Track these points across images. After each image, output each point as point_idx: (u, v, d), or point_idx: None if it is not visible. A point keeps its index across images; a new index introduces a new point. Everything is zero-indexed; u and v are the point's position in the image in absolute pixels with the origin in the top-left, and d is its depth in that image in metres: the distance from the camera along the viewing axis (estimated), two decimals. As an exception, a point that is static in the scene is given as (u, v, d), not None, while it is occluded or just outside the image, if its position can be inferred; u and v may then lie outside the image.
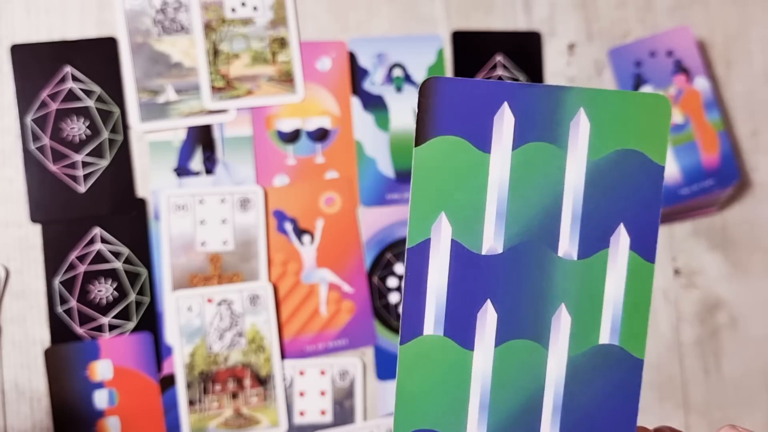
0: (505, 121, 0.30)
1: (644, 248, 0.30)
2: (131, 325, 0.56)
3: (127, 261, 0.56)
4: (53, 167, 0.56)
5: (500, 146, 0.30)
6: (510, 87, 0.30)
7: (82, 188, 0.56)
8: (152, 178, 0.57)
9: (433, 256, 0.30)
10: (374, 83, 0.59)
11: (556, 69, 0.62)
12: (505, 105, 0.30)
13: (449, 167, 0.30)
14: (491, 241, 0.30)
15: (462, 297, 0.30)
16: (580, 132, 0.30)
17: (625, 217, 0.30)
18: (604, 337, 0.30)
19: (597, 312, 0.30)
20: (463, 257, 0.30)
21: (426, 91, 0.30)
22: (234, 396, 0.56)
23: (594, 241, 0.30)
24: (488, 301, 0.30)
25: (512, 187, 0.30)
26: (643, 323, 0.30)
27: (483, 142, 0.30)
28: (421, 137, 0.30)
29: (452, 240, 0.30)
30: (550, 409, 0.30)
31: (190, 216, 0.56)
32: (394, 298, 0.59)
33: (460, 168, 0.30)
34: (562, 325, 0.30)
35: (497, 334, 0.30)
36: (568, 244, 0.30)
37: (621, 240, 0.30)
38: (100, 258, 0.56)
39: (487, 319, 0.30)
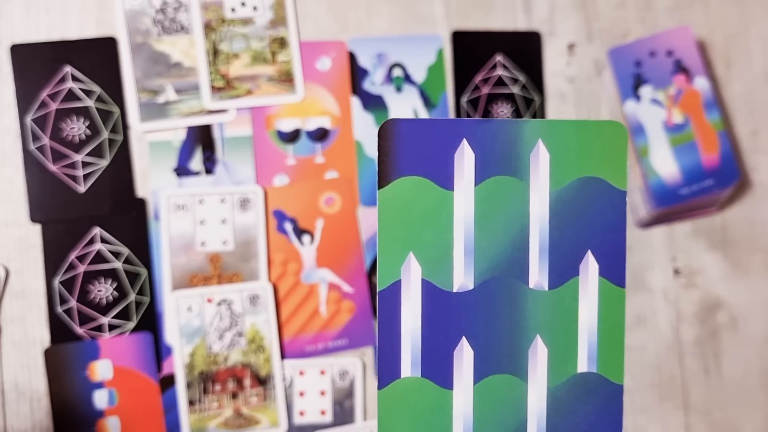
0: (465, 158, 0.30)
1: (613, 273, 0.30)
2: (131, 325, 0.56)
3: (126, 261, 0.56)
4: (53, 167, 0.56)
5: (463, 183, 0.30)
6: (467, 124, 0.30)
7: (81, 188, 0.56)
8: (152, 178, 0.57)
9: (405, 297, 0.30)
10: (374, 83, 0.60)
11: (555, 69, 0.62)
12: (464, 142, 0.30)
13: (414, 207, 0.30)
14: (462, 278, 0.30)
15: (437, 336, 0.30)
16: (540, 163, 0.30)
17: (592, 244, 0.30)
18: (582, 365, 0.30)
19: (572, 341, 0.30)
20: (434, 296, 0.30)
21: (385, 133, 0.30)
22: (234, 396, 0.56)
23: (563, 271, 0.30)
24: (463, 338, 0.30)
25: (478, 223, 0.30)
26: (619, 348, 0.30)
27: (445, 180, 0.30)
28: (383, 179, 0.30)
29: (423, 279, 0.30)
30: None
31: (189, 216, 0.56)
32: (393, 298, 0.59)
33: (425, 207, 0.30)
34: (539, 356, 0.30)
35: (475, 370, 0.30)
36: (538, 275, 0.30)
37: (590, 267, 0.30)
38: (100, 258, 0.56)
39: (464, 356, 0.30)
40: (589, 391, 0.30)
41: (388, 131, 0.30)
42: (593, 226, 0.30)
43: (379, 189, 0.30)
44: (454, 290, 0.30)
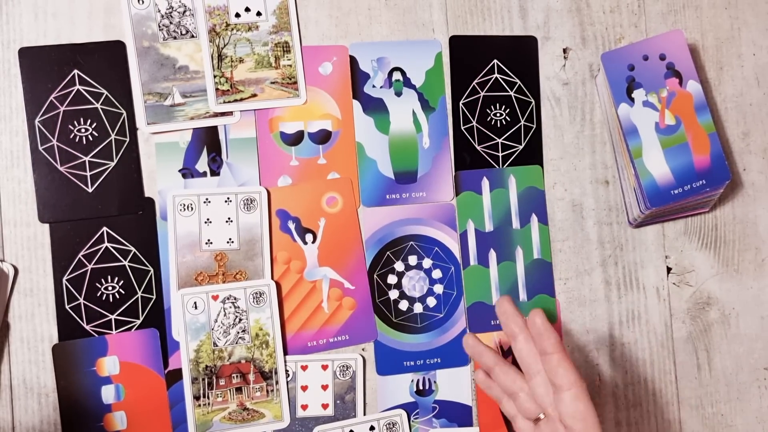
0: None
1: (543, 221, 0.63)
2: (138, 321, 0.57)
3: (133, 259, 0.57)
4: (61, 168, 0.56)
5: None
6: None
7: (89, 188, 0.57)
8: (159, 179, 0.57)
9: (470, 237, 0.62)
10: (374, 87, 0.60)
11: (551, 73, 0.63)
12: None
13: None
14: (490, 227, 0.63)
15: (483, 249, 0.62)
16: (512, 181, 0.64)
17: (536, 212, 0.63)
18: (536, 255, 0.62)
19: (531, 247, 0.62)
20: (479, 235, 0.62)
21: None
22: (238, 390, 0.56)
23: (525, 219, 0.63)
24: (491, 249, 0.62)
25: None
26: (549, 247, 0.62)
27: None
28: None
29: (476, 230, 0.62)
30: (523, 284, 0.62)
31: (195, 216, 0.57)
32: (393, 294, 0.60)
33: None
34: (518, 253, 0.62)
35: (497, 260, 0.62)
36: (517, 224, 0.63)
37: (533, 220, 0.62)
38: (107, 256, 0.56)
39: (491, 256, 0.62)
40: (538, 265, 0.62)
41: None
42: (535, 205, 0.62)
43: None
44: (486, 231, 0.62)
